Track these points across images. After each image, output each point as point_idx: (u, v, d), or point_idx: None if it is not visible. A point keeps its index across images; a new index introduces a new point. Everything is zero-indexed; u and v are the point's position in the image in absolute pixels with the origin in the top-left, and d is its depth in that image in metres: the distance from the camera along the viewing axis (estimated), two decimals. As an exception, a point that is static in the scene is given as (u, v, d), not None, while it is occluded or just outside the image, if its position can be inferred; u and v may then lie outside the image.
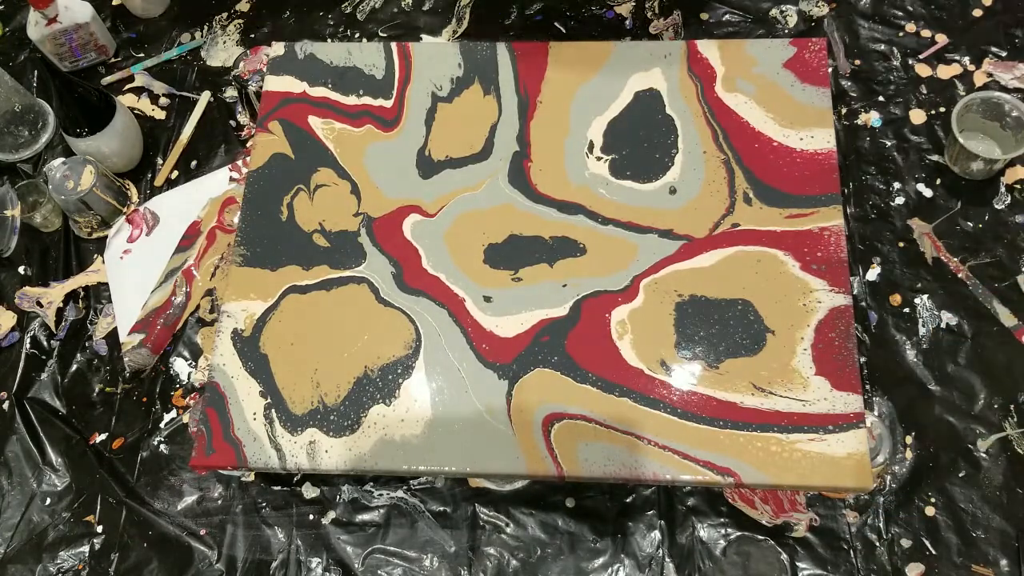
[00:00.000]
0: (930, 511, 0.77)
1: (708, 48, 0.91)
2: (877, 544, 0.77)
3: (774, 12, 1.01)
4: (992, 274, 0.85)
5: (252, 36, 1.08)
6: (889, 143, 0.92)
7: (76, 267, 0.96)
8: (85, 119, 0.94)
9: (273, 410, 0.79)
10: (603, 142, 0.88)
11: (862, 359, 0.83)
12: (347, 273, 0.85)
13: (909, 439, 0.80)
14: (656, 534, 0.79)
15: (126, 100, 1.05)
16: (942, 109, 0.93)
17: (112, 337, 0.92)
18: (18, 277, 0.96)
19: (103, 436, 0.88)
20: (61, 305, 0.94)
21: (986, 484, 0.77)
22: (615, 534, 0.79)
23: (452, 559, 0.80)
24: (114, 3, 1.12)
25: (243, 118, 1.02)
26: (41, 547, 0.83)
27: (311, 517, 0.82)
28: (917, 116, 0.93)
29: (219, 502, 0.84)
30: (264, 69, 0.98)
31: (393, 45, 0.96)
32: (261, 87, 0.96)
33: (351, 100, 0.93)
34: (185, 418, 0.88)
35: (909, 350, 0.83)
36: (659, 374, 0.77)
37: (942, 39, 0.97)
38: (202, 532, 0.83)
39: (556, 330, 0.80)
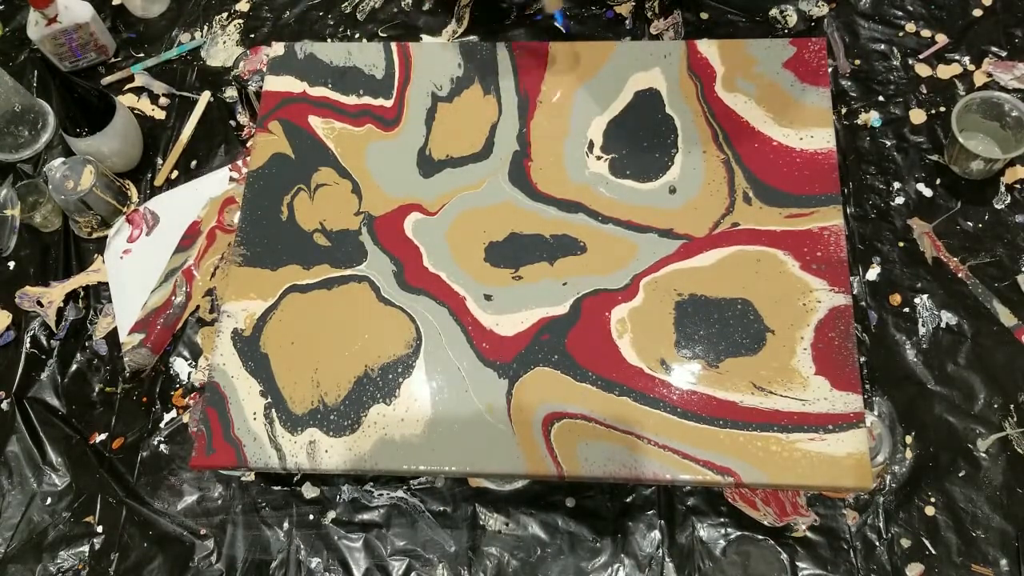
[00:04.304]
0: (930, 511, 0.77)
1: (708, 48, 0.91)
2: (877, 544, 0.76)
3: (774, 12, 1.01)
4: (992, 274, 0.85)
5: (252, 36, 1.08)
6: (889, 143, 0.93)
7: (76, 267, 0.96)
8: (85, 119, 0.94)
9: (273, 410, 0.79)
10: (603, 141, 0.88)
11: (862, 359, 0.83)
12: (348, 272, 0.85)
13: (909, 439, 0.80)
14: (656, 534, 0.79)
15: (126, 100, 1.05)
16: (942, 109, 0.93)
17: (112, 337, 0.92)
18: (18, 277, 0.96)
19: (103, 436, 0.88)
20: (61, 305, 0.94)
21: (986, 484, 0.77)
22: (615, 534, 0.79)
23: (452, 559, 0.80)
24: (114, 3, 1.12)
25: (243, 118, 1.02)
26: (41, 547, 0.83)
27: (311, 517, 0.82)
28: (917, 116, 0.93)
29: (219, 502, 0.84)
30: (264, 69, 0.98)
31: (393, 45, 0.96)
32: (261, 87, 0.96)
33: (351, 100, 0.93)
34: (185, 418, 0.88)
35: (909, 350, 0.83)
36: (659, 373, 0.77)
37: (942, 39, 0.97)
38: (202, 532, 0.83)
39: (556, 328, 0.80)
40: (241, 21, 1.09)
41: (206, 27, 1.09)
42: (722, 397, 0.76)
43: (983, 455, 0.78)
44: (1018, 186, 0.89)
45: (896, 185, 0.90)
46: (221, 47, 1.08)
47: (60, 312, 0.94)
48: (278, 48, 0.97)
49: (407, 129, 0.91)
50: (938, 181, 0.90)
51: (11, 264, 0.98)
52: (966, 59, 0.95)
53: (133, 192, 1.00)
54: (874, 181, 0.91)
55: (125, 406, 0.89)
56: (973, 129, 0.89)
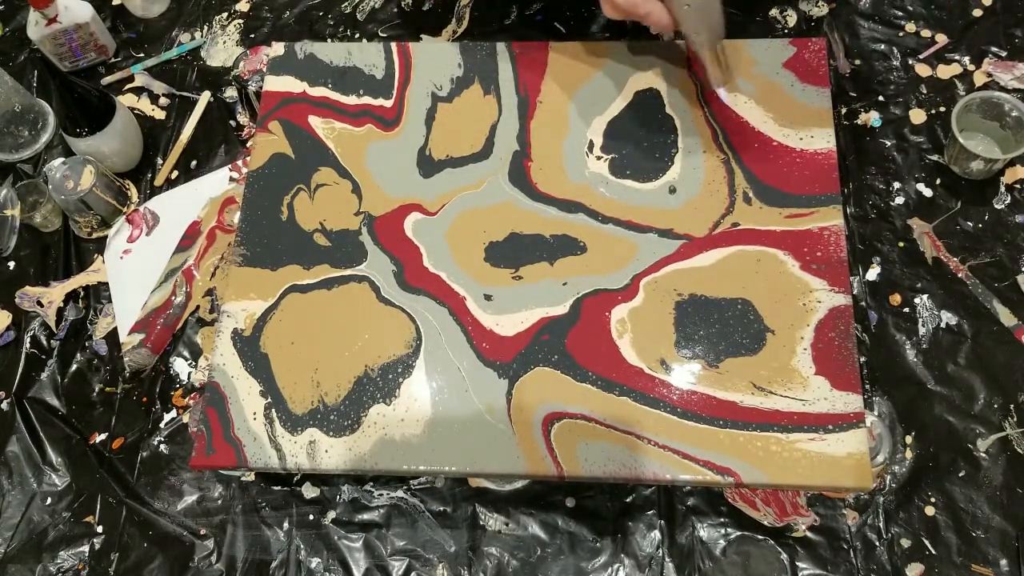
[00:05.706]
0: (930, 511, 0.77)
1: (708, 48, 0.91)
2: (877, 544, 0.76)
3: (774, 12, 1.01)
4: (992, 274, 0.85)
5: (252, 36, 1.08)
6: (889, 143, 0.93)
7: (76, 267, 0.96)
8: (85, 119, 0.94)
9: (273, 410, 0.79)
10: (603, 141, 0.88)
11: (862, 359, 0.83)
12: (348, 272, 0.85)
13: (909, 439, 0.80)
14: (656, 534, 0.79)
15: (126, 100, 1.05)
16: (942, 109, 0.93)
17: (112, 337, 0.92)
18: (18, 277, 0.96)
19: (103, 436, 0.88)
20: (61, 305, 0.94)
21: (986, 484, 0.77)
22: (615, 534, 0.79)
23: (452, 559, 0.80)
24: (114, 3, 1.12)
25: (243, 118, 1.02)
26: (41, 547, 0.83)
27: (311, 517, 0.82)
28: (917, 116, 0.93)
29: (219, 502, 0.84)
30: (264, 69, 0.98)
31: (393, 45, 0.96)
32: (261, 87, 0.96)
33: (351, 100, 0.93)
34: (185, 418, 0.88)
35: (909, 350, 0.83)
36: (659, 373, 0.77)
37: (942, 39, 0.97)
38: (202, 532, 0.83)
39: (556, 329, 0.80)
40: (241, 21, 1.09)
41: (206, 27, 1.09)
42: (722, 397, 0.76)
43: (983, 455, 0.78)
44: (1018, 186, 0.89)
45: (896, 185, 0.90)
46: (221, 47, 1.08)
47: (60, 312, 0.94)
48: (278, 48, 0.97)
49: (407, 129, 0.91)
50: (938, 181, 0.90)
51: (11, 264, 0.98)
52: (966, 59, 0.95)
53: (133, 192, 1.00)
54: (874, 181, 0.91)
55: (125, 406, 0.89)
56: (973, 129, 0.89)
